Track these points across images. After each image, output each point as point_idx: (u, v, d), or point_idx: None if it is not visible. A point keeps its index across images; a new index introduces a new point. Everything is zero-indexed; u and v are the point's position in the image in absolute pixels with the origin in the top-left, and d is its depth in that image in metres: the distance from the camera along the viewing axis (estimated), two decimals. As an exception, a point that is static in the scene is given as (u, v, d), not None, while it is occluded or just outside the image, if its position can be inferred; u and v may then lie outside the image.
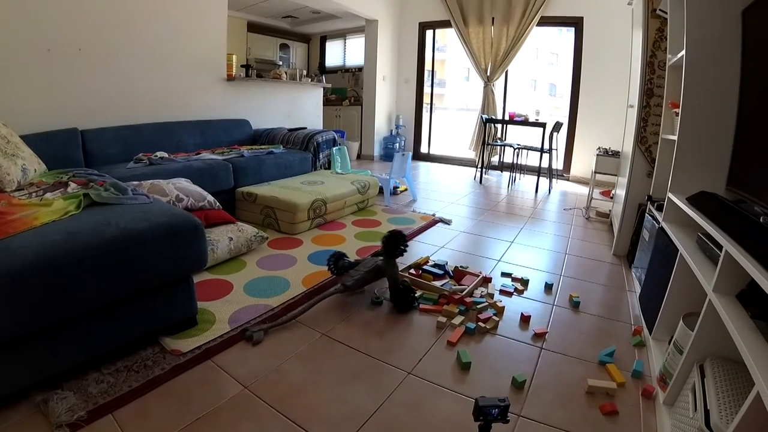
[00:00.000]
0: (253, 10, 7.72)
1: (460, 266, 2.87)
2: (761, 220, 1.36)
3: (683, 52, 2.10)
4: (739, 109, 1.86)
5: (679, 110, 2.13)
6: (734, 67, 1.88)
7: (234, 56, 5.00)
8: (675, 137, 2.16)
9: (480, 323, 2.24)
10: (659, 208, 2.39)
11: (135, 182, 2.87)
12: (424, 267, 2.83)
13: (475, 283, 2.65)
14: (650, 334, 2.11)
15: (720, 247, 1.40)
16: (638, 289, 2.68)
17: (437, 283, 2.63)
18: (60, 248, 1.55)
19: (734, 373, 1.32)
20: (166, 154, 3.82)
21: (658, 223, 2.32)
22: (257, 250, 3.12)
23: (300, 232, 3.54)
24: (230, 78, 4.92)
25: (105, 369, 1.75)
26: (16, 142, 2.69)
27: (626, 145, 3.77)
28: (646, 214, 2.79)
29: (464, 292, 2.50)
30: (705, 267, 1.58)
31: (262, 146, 4.69)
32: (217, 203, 3.19)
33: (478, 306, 2.40)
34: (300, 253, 3.11)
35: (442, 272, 2.77)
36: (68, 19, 3.43)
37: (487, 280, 2.80)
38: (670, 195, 2.14)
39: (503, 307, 2.45)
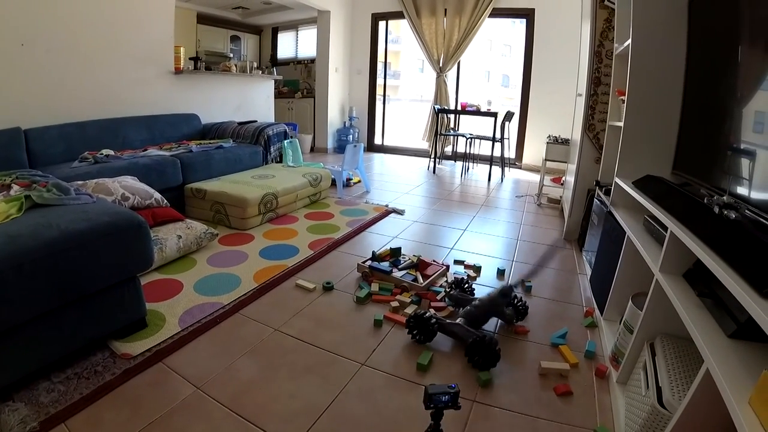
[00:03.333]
0: (203, 0, 7.44)
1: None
2: (705, 201, 1.40)
3: (629, 41, 2.15)
4: (684, 95, 1.92)
5: (625, 97, 2.17)
6: (679, 56, 1.93)
7: (182, 48, 4.80)
8: (621, 124, 2.22)
9: (432, 310, 2.24)
10: (607, 193, 2.45)
11: (79, 182, 2.74)
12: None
13: (437, 273, 2.64)
14: (602, 315, 2.16)
15: (665, 229, 1.44)
16: (589, 271, 2.74)
17: (397, 274, 2.60)
18: (-1, 253, 1.46)
19: (684, 350, 1.36)
20: (112, 152, 3.64)
21: (607, 207, 2.37)
22: (207, 247, 3.02)
23: (251, 227, 3.45)
24: (178, 71, 4.73)
25: (55, 377, 1.68)
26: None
27: (575, 132, 3.86)
28: (595, 199, 2.85)
29: (425, 283, 2.49)
30: (652, 248, 1.62)
31: (212, 141, 4.55)
32: (165, 201, 3.07)
33: (438, 296, 2.40)
34: (251, 248, 3.03)
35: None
36: (10, 13, 3.21)
37: (445, 270, 2.80)
38: (617, 179, 2.19)
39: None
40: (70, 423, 1.48)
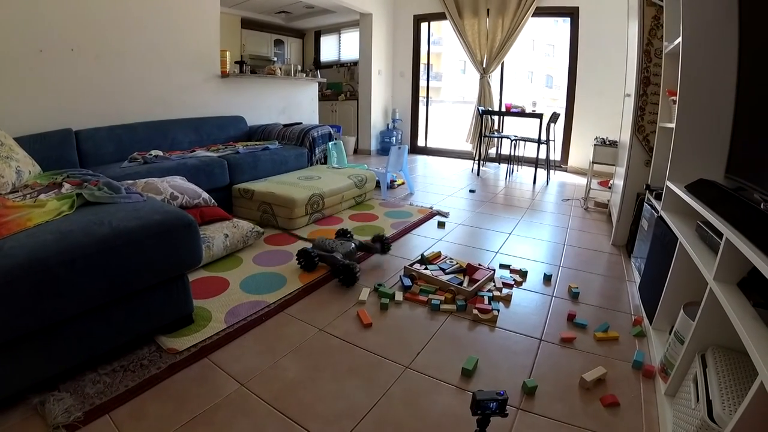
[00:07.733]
0: (247, 6, 7.66)
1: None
2: (762, 206, 1.35)
3: (680, 39, 2.08)
4: (737, 95, 1.84)
5: (677, 98, 2.10)
6: (732, 53, 1.85)
7: (228, 53, 4.95)
8: (672, 125, 2.14)
9: (476, 312, 2.24)
10: (658, 197, 2.37)
11: (129, 181, 2.85)
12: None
13: (485, 278, 2.61)
14: (650, 324, 2.10)
15: (720, 235, 1.39)
16: (638, 278, 2.66)
17: (444, 278, 2.60)
18: (52, 248, 1.54)
19: (736, 363, 1.31)
20: (160, 153, 3.80)
21: (657, 212, 2.30)
22: (254, 246, 3.10)
23: (298, 227, 3.52)
24: (224, 75, 4.89)
25: (101, 369, 1.75)
26: (9, 145, 2.67)
27: (624, 134, 3.75)
28: (645, 204, 2.77)
29: (472, 288, 2.48)
30: (705, 255, 1.56)
31: (258, 142, 4.67)
32: (213, 200, 3.17)
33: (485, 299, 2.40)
34: (297, 248, 3.07)
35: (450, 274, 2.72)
36: (60, 19, 3.39)
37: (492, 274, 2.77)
38: (668, 183, 2.12)
39: (509, 298, 2.46)
40: (114, 414, 1.53)
